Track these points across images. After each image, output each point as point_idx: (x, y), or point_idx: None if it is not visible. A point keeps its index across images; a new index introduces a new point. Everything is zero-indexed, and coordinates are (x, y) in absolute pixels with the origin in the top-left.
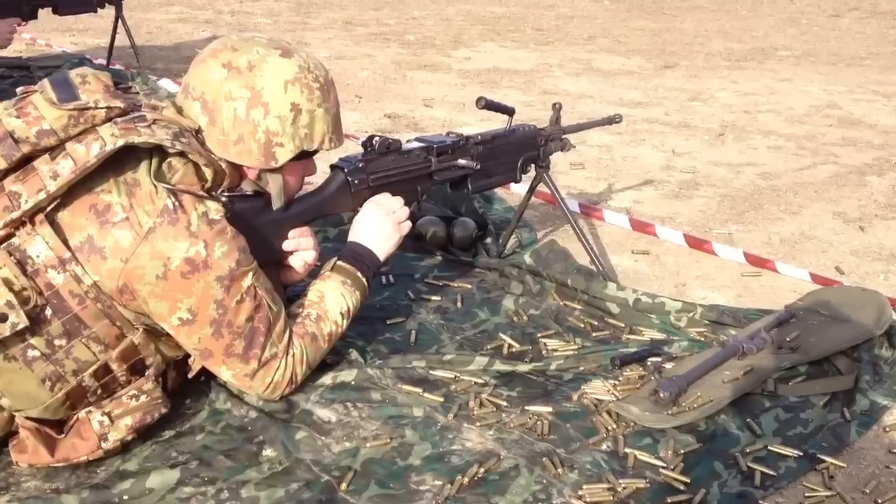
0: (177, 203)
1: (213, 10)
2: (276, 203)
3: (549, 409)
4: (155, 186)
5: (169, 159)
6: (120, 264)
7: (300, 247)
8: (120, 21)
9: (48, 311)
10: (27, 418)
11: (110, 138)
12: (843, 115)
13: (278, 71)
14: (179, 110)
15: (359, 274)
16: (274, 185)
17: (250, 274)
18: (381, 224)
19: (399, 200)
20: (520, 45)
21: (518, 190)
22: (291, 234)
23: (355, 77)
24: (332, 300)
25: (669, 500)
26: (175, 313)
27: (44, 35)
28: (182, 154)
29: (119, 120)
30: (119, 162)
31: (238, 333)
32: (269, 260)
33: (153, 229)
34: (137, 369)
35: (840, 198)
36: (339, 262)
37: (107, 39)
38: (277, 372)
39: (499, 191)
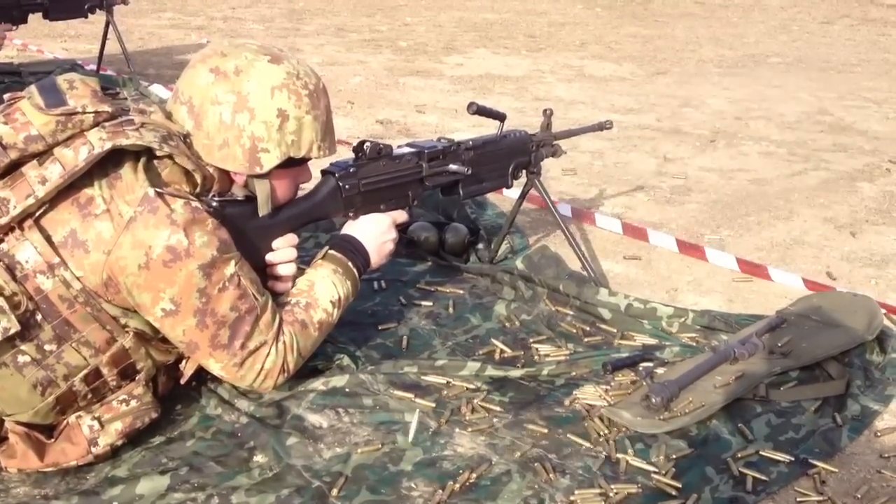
0: (157, 192)
1: (205, 17)
2: (263, 210)
3: (542, 414)
4: (136, 177)
5: (156, 161)
6: (102, 257)
7: (283, 259)
8: (111, 27)
9: (38, 316)
10: (17, 423)
11: (98, 142)
12: (833, 122)
13: (265, 76)
14: (169, 115)
15: (350, 264)
16: (261, 191)
17: (233, 262)
18: (376, 220)
19: (401, 214)
20: (512, 52)
21: (510, 195)
22: (277, 243)
23: (347, 83)
24: (323, 288)
25: None
26: (158, 304)
27: (35, 41)
28: (170, 157)
29: (107, 124)
30: (106, 166)
31: (222, 323)
32: (259, 265)
33: (133, 219)
34: (128, 374)
35: (831, 203)
36: (330, 251)
37: (98, 45)
38: (268, 359)
39: (490, 196)
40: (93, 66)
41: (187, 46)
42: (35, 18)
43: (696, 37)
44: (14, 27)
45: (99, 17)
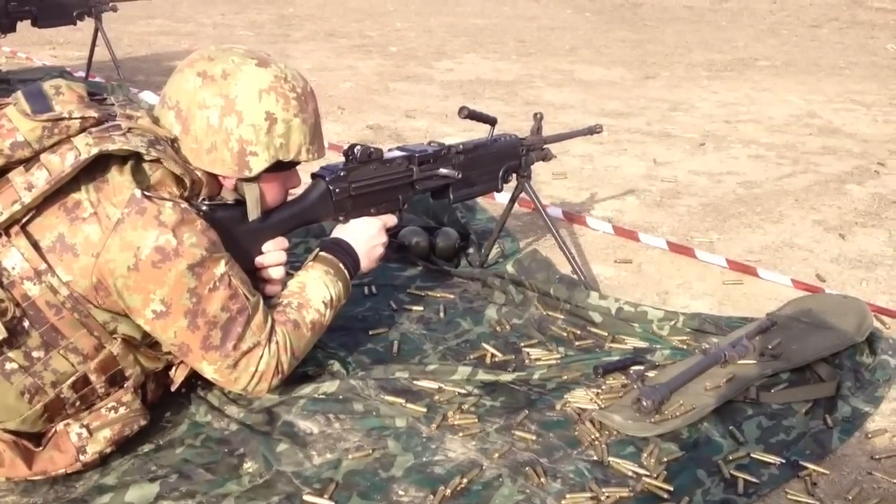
0: (145, 193)
1: (194, 23)
2: (252, 214)
3: (533, 418)
4: (123, 179)
5: (144, 165)
6: (91, 260)
7: (273, 262)
8: (100, 33)
9: (26, 323)
10: (5, 431)
11: (85, 147)
12: (822, 125)
13: (253, 80)
14: (156, 120)
15: (340, 265)
16: (250, 195)
17: (223, 262)
18: (366, 224)
19: (391, 218)
20: (502, 57)
21: (500, 200)
22: (267, 246)
23: (338, 88)
24: (314, 289)
25: None
26: (149, 306)
27: (24, 48)
28: (157, 161)
29: (94, 130)
30: (93, 172)
31: (213, 323)
32: (249, 268)
33: (121, 220)
34: (116, 381)
35: (820, 206)
36: (321, 253)
37: (87, 52)
38: (262, 361)
39: (481, 200)
40: (82, 73)
41: (177, 53)
42: (23, 26)
43: (686, 41)
44: (3, 35)
45: (88, 24)
